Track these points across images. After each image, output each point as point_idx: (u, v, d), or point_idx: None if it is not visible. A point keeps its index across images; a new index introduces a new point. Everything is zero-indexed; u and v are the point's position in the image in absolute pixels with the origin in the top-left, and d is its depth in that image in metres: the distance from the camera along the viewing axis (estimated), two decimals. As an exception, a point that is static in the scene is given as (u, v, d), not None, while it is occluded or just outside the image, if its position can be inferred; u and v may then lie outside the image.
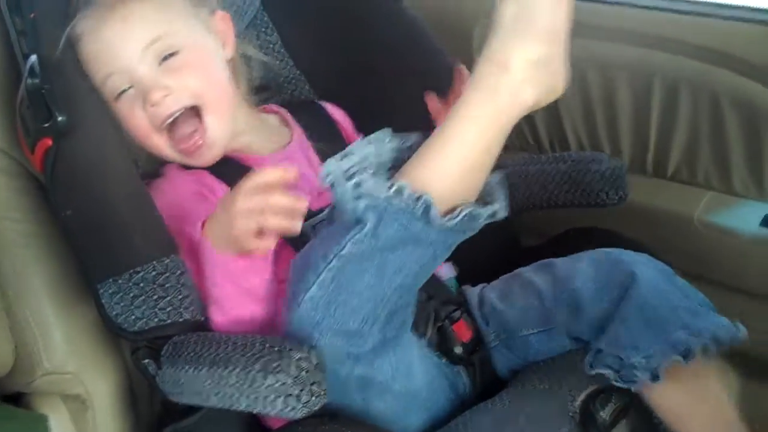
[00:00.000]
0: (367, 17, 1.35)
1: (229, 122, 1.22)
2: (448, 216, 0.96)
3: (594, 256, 1.19)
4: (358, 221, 0.96)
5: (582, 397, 1.13)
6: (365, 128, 1.23)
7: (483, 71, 0.96)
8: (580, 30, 1.57)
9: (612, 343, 1.10)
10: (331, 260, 0.98)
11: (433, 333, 1.21)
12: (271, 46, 1.45)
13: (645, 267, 1.14)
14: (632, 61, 1.54)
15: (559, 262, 1.22)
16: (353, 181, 0.96)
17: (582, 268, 1.18)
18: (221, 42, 1.26)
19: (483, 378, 1.24)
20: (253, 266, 1.11)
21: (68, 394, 1.30)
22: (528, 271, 1.25)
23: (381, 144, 1.02)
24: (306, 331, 1.02)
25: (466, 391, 1.23)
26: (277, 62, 1.43)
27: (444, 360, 1.22)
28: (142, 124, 1.18)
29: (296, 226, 1.02)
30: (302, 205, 1.01)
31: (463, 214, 0.96)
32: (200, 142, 1.20)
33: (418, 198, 0.94)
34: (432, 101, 1.20)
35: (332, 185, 0.98)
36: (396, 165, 1.01)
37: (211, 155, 1.22)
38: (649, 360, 1.07)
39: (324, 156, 1.21)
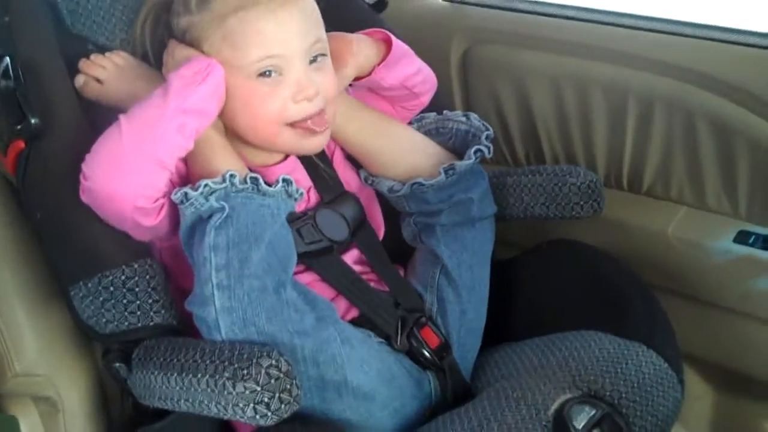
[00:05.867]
0: (350, 30, 1.35)
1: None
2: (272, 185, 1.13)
3: None
4: (211, 215, 1.08)
5: (555, 405, 1.13)
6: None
7: None
8: (556, 46, 1.61)
9: None
10: (210, 257, 1.07)
11: (403, 339, 1.23)
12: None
13: None
14: (608, 78, 1.55)
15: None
16: (198, 188, 1.08)
17: None
18: None
19: (454, 385, 1.25)
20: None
21: (39, 396, 1.29)
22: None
23: None
24: (244, 331, 1.06)
25: (436, 396, 1.23)
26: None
27: (413, 364, 1.23)
28: (275, 109, 1.16)
29: None
30: None
31: (281, 178, 1.13)
32: (325, 125, 1.20)
33: (245, 178, 1.10)
34: None
35: (183, 199, 1.09)
36: None
37: (320, 143, 1.22)
38: None
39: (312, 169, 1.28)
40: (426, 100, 1.38)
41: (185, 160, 1.17)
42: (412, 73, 1.33)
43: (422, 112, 1.39)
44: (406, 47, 1.33)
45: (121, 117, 1.10)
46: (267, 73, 1.15)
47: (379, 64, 1.29)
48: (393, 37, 1.30)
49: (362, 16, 1.47)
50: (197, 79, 1.12)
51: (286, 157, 1.26)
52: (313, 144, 1.21)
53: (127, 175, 1.08)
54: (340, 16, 1.38)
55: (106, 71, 1.25)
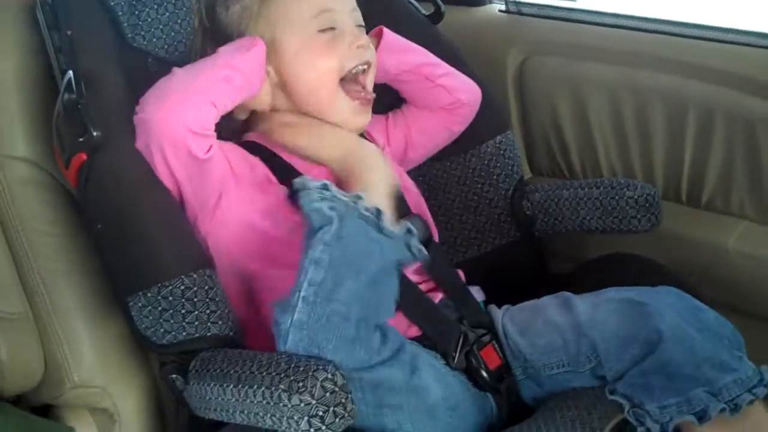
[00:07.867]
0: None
1: None
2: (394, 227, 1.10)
3: (618, 301, 1.19)
4: (322, 225, 1.04)
5: (611, 425, 1.11)
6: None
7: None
8: (615, 57, 1.59)
9: (629, 388, 1.12)
10: (308, 269, 1.03)
11: (461, 356, 1.21)
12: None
13: (672, 316, 1.13)
14: (667, 89, 1.53)
15: (580, 304, 1.21)
16: (319, 184, 1.08)
17: (605, 319, 1.18)
18: None
19: (511, 405, 1.23)
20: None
21: (96, 408, 1.31)
22: (551, 308, 1.24)
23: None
24: (308, 351, 1.03)
25: (494, 415, 1.22)
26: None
27: (473, 386, 1.21)
28: (335, 60, 1.27)
29: None
30: None
31: (406, 227, 1.11)
32: (371, 96, 1.31)
33: (375, 209, 1.09)
34: None
35: (299, 189, 1.07)
36: None
37: (367, 118, 1.31)
38: (662, 411, 1.09)
39: None
40: (469, 104, 1.40)
41: None
42: (425, 62, 1.38)
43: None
44: (412, 44, 1.40)
45: (175, 68, 1.20)
46: (325, 29, 1.26)
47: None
48: (385, 29, 1.37)
49: (419, 27, 1.47)
50: (243, 48, 1.24)
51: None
52: (363, 119, 1.30)
53: (177, 101, 1.15)
54: (397, 28, 1.39)
55: None
